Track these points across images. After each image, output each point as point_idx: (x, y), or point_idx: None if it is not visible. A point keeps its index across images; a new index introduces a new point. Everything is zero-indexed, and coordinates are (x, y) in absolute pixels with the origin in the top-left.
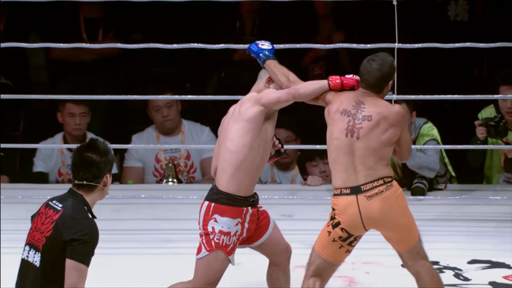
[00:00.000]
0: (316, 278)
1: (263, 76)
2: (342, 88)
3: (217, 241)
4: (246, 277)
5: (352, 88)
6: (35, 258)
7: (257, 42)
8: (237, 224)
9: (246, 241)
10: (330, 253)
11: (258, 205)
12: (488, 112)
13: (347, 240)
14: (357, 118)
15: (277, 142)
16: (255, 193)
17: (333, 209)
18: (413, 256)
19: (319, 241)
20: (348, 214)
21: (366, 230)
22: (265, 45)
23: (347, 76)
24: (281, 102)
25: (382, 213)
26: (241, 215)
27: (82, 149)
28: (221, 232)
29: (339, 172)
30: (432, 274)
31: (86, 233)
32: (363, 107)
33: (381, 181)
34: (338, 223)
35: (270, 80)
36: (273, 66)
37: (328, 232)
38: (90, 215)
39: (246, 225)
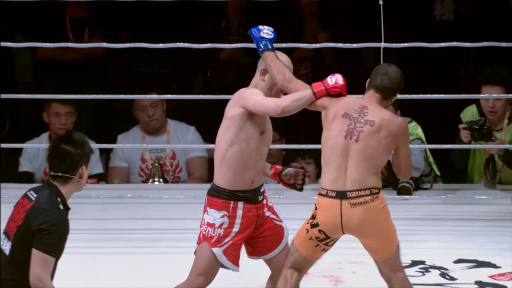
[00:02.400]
0: (293, 270)
1: (259, 67)
2: (328, 95)
3: (204, 232)
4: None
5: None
6: (6, 246)
7: (260, 28)
8: (222, 217)
9: (256, 252)
10: (306, 249)
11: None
12: (470, 112)
13: (324, 241)
14: (359, 121)
15: (300, 178)
16: (256, 191)
17: (316, 208)
18: (388, 265)
19: (298, 236)
20: (329, 216)
21: (344, 234)
22: (267, 33)
23: (331, 78)
24: (265, 113)
25: (363, 223)
26: (228, 208)
27: (58, 140)
28: (208, 223)
29: (329, 171)
30: (405, 285)
31: (54, 224)
32: (366, 112)
33: (368, 191)
34: (317, 224)
35: (265, 72)
36: (271, 60)
37: (307, 229)
38: (62, 206)
39: (238, 220)
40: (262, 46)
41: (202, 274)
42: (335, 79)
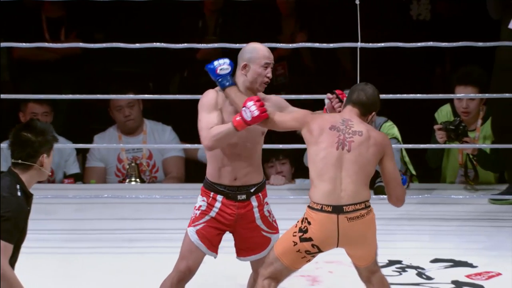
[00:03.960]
0: (271, 280)
1: (240, 62)
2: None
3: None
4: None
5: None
6: None
7: (215, 65)
8: (203, 201)
9: (238, 251)
10: (290, 260)
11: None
12: (444, 111)
13: (314, 254)
14: (347, 132)
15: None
16: (238, 189)
17: (308, 222)
18: (369, 269)
19: (280, 246)
20: (325, 231)
21: (337, 247)
22: (223, 68)
23: (246, 112)
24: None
25: (359, 236)
26: (208, 196)
27: (19, 128)
28: (194, 208)
29: (323, 184)
30: (384, 284)
31: (9, 210)
32: (351, 123)
33: (363, 205)
34: (310, 239)
35: (246, 66)
36: (234, 97)
37: (294, 242)
38: (20, 193)
39: (216, 209)
40: (221, 85)
41: (183, 257)
42: (250, 114)
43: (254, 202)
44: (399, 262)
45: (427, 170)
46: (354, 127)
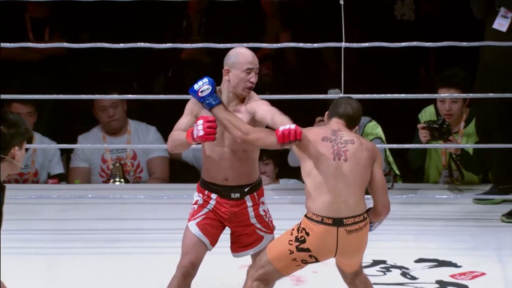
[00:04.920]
0: (260, 282)
1: (224, 67)
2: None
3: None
4: None
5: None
6: None
7: (195, 88)
8: (199, 196)
9: (231, 246)
10: (284, 266)
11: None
12: (428, 112)
13: (310, 263)
14: (339, 142)
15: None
16: (232, 189)
17: (306, 233)
18: (355, 272)
19: (274, 251)
20: (324, 243)
21: (334, 257)
22: (204, 89)
23: (197, 129)
24: None
25: (355, 248)
26: (203, 193)
27: None
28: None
29: (323, 195)
30: (367, 284)
31: None
32: (341, 134)
33: (361, 217)
34: (308, 250)
35: (227, 71)
36: (222, 117)
37: (290, 251)
38: None
39: (211, 205)
40: (206, 106)
41: (185, 253)
42: (196, 132)
43: (248, 201)
44: (384, 262)
45: (410, 170)
46: (344, 137)
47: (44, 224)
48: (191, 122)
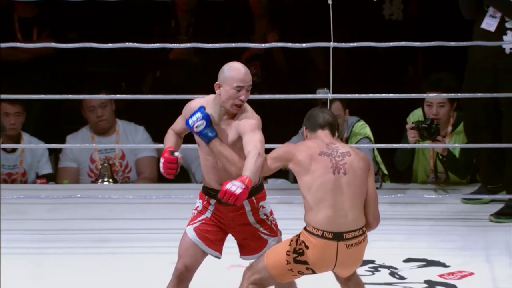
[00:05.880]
0: (255, 286)
1: (217, 79)
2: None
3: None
4: None
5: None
6: None
7: (190, 124)
8: (199, 202)
9: (239, 250)
10: (279, 274)
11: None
12: (416, 115)
13: (306, 274)
14: (336, 155)
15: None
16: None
17: (306, 246)
18: (350, 276)
19: (272, 259)
20: (323, 257)
21: (332, 270)
22: (199, 124)
23: (161, 160)
24: None
25: (356, 261)
26: (203, 199)
27: None
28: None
29: (324, 210)
30: (359, 284)
31: None
32: (335, 147)
33: (361, 231)
34: (305, 262)
35: (219, 86)
36: (217, 152)
37: (287, 261)
38: None
39: (210, 211)
40: (203, 140)
41: (180, 257)
42: (160, 165)
43: (247, 206)
44: (372, 261)
45: (398, 170)
46: (340, 149)
47: (32, 224)
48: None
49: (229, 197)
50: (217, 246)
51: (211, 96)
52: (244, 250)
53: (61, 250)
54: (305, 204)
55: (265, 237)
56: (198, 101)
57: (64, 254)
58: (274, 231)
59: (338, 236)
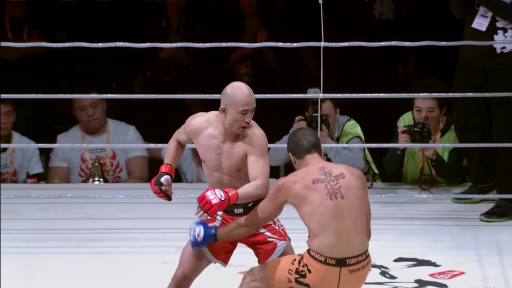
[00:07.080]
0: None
1: (221, 102)
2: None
3: None
4: None
5: None
6: None
7: (192, 240)
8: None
9: (258, 258)
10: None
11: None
12: (406, 119)
13: None
14: (331, 180)
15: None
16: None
17: (308, 270)
18: None
19: (273, 273)
20: (325, 282)
21: None
22: (199, 234)
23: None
24: None
25: (357, 285)
26: None
27: None
28: None
29: (328, 237)
30: None
31: None
32: (328, 170)
33: (364, 256)
34: (307, 285)
35: (224, 109)
36: (226, 237)
37: (289, 279)
38: None
39: (218, 222)
40: (212, 239)
41: (180, 264)
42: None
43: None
44: None
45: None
46: (333, 172)
47: (23, 223)
48: (187, 139)
49: (205, 204)
50: (223, 256)
51: (214, 113)
52: (260, 256)
53: (52, 250)
54: (309, 231)
55: (274, 240)
56: (200, 118)
57: (55, 254)
58: (283, 235)
59: (341, 262)
